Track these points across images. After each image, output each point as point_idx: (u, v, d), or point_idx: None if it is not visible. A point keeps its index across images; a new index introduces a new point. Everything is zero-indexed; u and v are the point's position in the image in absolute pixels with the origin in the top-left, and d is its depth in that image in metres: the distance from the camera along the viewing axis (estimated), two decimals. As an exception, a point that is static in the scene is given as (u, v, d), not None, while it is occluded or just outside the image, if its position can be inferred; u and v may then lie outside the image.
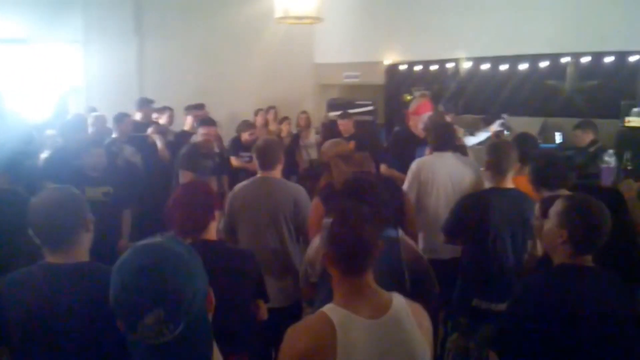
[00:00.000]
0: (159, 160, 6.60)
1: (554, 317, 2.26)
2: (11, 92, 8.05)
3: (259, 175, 4.11)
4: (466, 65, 9.36)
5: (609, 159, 5.27)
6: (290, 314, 4.01)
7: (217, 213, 2.92)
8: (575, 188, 4.04)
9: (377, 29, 9.87)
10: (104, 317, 1.44)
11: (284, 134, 8.74)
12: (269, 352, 3.79)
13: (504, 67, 8.93)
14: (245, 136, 7.26)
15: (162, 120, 7.69)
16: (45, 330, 2.11)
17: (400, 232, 3.13)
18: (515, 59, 8.70)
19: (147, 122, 7.25)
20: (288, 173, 5.88)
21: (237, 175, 6.56)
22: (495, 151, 3.88)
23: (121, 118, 6.57)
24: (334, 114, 9.14)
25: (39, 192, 2.32)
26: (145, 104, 7.55)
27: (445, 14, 9.00)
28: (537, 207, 2.97)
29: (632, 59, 7.74)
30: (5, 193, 3.68)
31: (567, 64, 8.36)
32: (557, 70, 8.45)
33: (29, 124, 5.82)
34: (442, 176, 4.49)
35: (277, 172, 4.11)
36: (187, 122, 7.38)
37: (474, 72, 9.28)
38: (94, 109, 7.43)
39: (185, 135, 7.03)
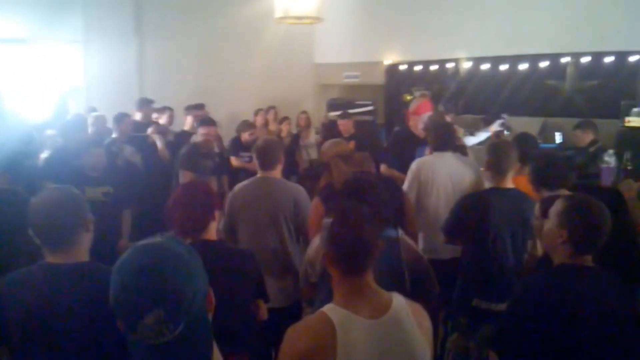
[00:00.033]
0: (159, 160, 6.60)
1: (554, 317, 2.26)
2: (11, 92, 8.06)
3: (259, 175, 4.11)
4: (466, 65, 9.37)
5: (609, 159, 5.27)
6: (290, 314, 4.01)
7: (217, 213, 2.92)
8: (576, 188, 4.04)
9: (377, 29, 9.87)
10: (104, 317, 1.44)
11: (284, 134, 8.73)
12: (269, 352, 3.79)
13: (504, 67, 8.93)
14: (245, 136, 7.26)
15: (162, 120, 7.69)
16: (45, 330, 2.11)
17: (401, 232, 3.13)
18: (515, 59, 8.70)
19: (147, 122, 7.25)
20: (288, 173, 5.88)
21: (237, 175, 6.56)
22: (495, 151, 3.88)
23: (121, 118, 6.57)
24: (334, 114, 9.13)
25: (39, 192, 2.31)
26: (145, 104, 7.55)
27: (445, 14, 9.00)
28: (537, 207, 2.97)
29: (632, 59, 7.74)
30: (5, 193, 3.68)
31: (567, 64, 8.36)
32: (557, 70, 8.45)
33: (29, 124, 5.83)
34: (442, 176, 4.49)
35: (277, 172, 4.11)
36: (187, 122, 7.39)
37: (474, 72, 9.28)
38: (94, 109, 7.43)
39: (185, 135, 7.03)
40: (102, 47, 9.07)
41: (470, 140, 6.55)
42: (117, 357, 1.46)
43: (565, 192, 3.42)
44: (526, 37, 8.16)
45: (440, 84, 9.66)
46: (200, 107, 7.95)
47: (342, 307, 1.96)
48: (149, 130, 6.90)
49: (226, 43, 9.93)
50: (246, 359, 2.88)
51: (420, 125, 5.74)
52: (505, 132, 6.96)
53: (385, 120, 10.25)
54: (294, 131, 8.99)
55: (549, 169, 3.77)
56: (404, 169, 4.76)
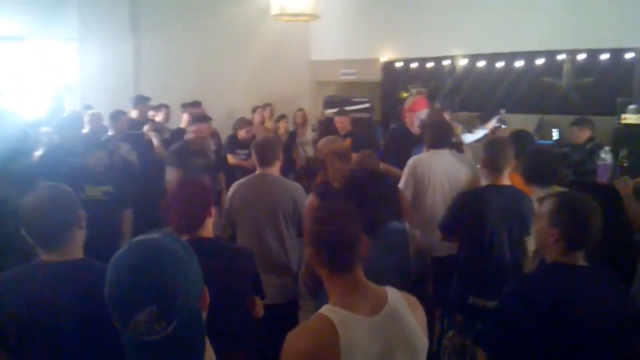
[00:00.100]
0: (155, 158, 6.58)
1: (545, 315, 2.25)
2: (7, 90, 8.05)
3: (257, 172, 4.12)
4: (462, 62, 9.37)
5: (605, 156, 5.27)
6: (288, 310, 4.03)
7: (213, 210, 2.91)
8: (572, 185, 4.05)
9: (373, 26, 9.87)
10: (101, 314, 1.43)
11: (281, 131, 8.73)
12: (265, 349, 3.79)
13: (500, 65, 8.93)
14: (241, 134, 7.26)
15: (159, 117, 7.68)
16: (43, 328, 2.10)
17: (407, 225, 3.13)
18: (511, 56, 8.72)
19: (143, 120, 7.24)
20: (285, 171, 5.89)
21: (233, 172, 6.56)
22: (491, 148, 3.87)
23: (117, 116, 6.54)
24: (330, 111, 9.13)
25: (32, 191, 2.30)
26: (141, 101, 7.53)
27: (441, 12, 9.02)
28: (537, 206, 2.96)
29: (628, 56, 7.75)
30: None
31: (563, 61, 8.37)
32: (553, 68, 8.46)
33: (24, 121, 5.80)
34: (439, 173, 4.49)
35: (275, 169, 4.12)
36: (184, 120, 7.36)
37: (470, 69, 9.29)
38: (89, 107, 7.41)
39: (181, 133, 6.99)
40: (97, 45, 9.04)
41: (468, 138, 6.55)
42: (114, 354, 1.45)
43: (557, 188, 3.43)
44: (522, 35, 8.18)
45: (436, 81, 9.66)
46: (196, 104, 7.95)
47: (340, 307, 1.94)
48: (145, 127, 6.89)
49: (222, 40, 9.91)
50: (242, 356, 2.87)
51: (417, 123, 5.75)
52: (503, 126, 6.98)
53: (382, 118, 10.26)
54: (291, 129, 8.99)
55: (540, 165, 3.79)
56: (400, 166, 4.76)
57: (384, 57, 10.14)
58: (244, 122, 7.46)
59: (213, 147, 6.99)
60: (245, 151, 7.08)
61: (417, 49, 9.59)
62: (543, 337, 2.25)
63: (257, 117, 8.81)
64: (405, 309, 2.01)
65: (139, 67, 9.56)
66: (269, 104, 9.29)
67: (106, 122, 6.64)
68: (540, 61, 8.53)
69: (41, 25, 8.48)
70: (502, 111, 7.80)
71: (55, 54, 9.04)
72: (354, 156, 4.25)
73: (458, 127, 6.37)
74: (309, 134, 8.88)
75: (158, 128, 7.07)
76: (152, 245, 1.34)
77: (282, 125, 8.86)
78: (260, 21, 9.34)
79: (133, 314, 1.25)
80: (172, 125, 7.69)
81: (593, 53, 7.99)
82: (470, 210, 3.75)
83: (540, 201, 2.75)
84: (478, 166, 4.38)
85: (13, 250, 2.99)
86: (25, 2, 8.28)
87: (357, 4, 10.09)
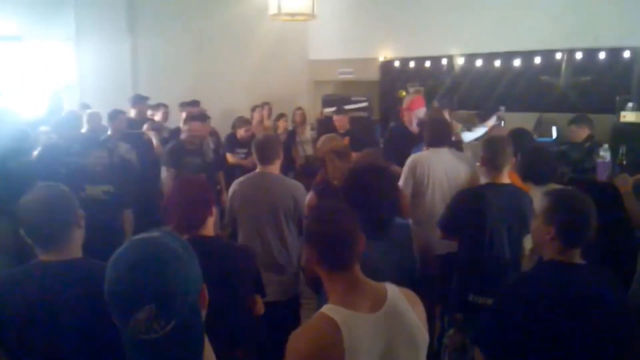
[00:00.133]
0: (154, 157, 6.58)
1: (542, 313, 2.25)
2: (5, 90, 8.03)
3: (257, 170, 4.12)
4: (460, 61, 9.37)
5: (604, 154, 5.28)
6: (289, 308, 4.04)
7: (214, 209, 2.91)
8: (572, 183, 4.06)
9: (371, 26, 9.87)
10: (101, 313, 1.43)
11: (280, 130, 8.74)
12: (267, 346, 3.78)
13: (498, 64, 8.93)
14: (240, 132, 7.26)
15: (157, 117, 7.68)
16: (42, 328, 2.10)
17: (410, 221, 3.13)
18: (509, 55, 8.72)
19: (142, 119, 7.23)
20: (285, 169, 5.90)
21: (233, 171, 6.56)
22: (490, 147, 3.88)
23: (115, 115, 6.53)
24: (329, 110, 9.14)
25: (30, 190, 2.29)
26: (139, 100, 7.53)
27: (439, 11, 9.03)
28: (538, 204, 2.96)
29: (626, 55, 7.76)
30: None
31: (561, 60, 8.38)
32: (551, 66, 8.46)
33: (23, 121, 5.80)
34: (438, 172, 4.48)
35: (275, 168, 4.12)
36: (182, 119, 7.36)
37: (468, 68, 9.28)
38: (87, 106, 7.39)
39: (180, 132, 7.01)
40: (95, 45, 9.02)
41: (467, 136, 6.56)
42: (114, 354, 1.45)
43: (554, 186, 3.43)
44: (520, 34, 8.20)
45: (434, 80, 9.66)
46: (194, 103, 7.95)
47: (340, 305, 1.94)
48: (144, 127, 6.89)
49: (220, 40, 9.90)
50: (243, 355, 2.87)
51: (414, 121, 5.75)
52: (502, 124, 7.00)
53: (380, 117, 10.26)
54: (290, 128, 8.99)
55: (536, 163, 3.80)
56: (400, 164, 4.75)
57: (382, 56, 10.14)
58: (243, 121, 7.46)
59: (212, 145, 6.99)
60: (244, 150, 7.08)
61: (415, 48, 9.58)
62: (540, 336, 2.24)
63: (256, 116, 8.80)
64: (405, 304, 2.01)
65: (137, 66, 9.54)
66: (267, 103, 9.30)
67: (105, 121, 6.63)
68: (538, 60, 8.53)
69: (39, 25, 8.46)
70: (502, 108, 7.82)
71: (53, 54, 9.01)
72: (354, 155, 4.26)
73: (457, 126, 6.38)
74: (308, 133, 8.88)
75: (157, 127, 7.06)
76: (152, 244, 1.34)
77: (281, 124, 8.87)
78: (258, 21, 9.33)
79: (132, 313, 1.25)
80: (170, 125, 7.69)
81: (591, 52, 8.00)
82: (470, 209, 3.75)
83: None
84: (477, 164, 4.38)
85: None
86: (24, 2, 8.25)
87: (354, 4, 10.08)
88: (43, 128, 6.11)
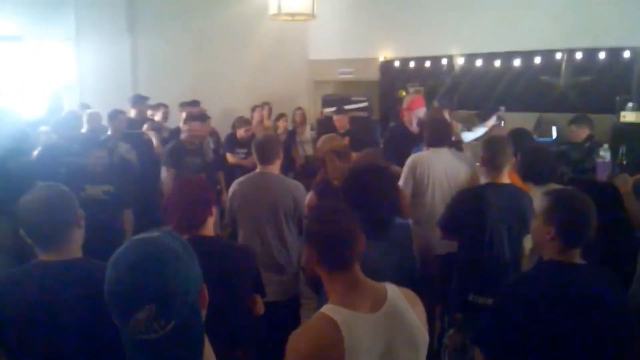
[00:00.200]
0: (154, 157, 6.58)
1: (542, 313, 2.25)
2: (5, 90, 8.03)
3: (257, 170, 4.12)
4: (460, 61, 9.37)
5: (604, 153, 5.28)
6: (289, 308, 4.04)
7: (214, 209, 2.91)
8: (572, 183, 4.06)
9: (371, 26, 9.87)
10: (101, 313, 1.43)
11: (280, 130, 8.73)
12: (267, 346, 3.79)
13: (498, 64, 8.93)
14: (240, 132, 7.26)
15: (157, 117, 7.68)
16: (43, 328, 2.10)
17: (410, 221, 3.13)
18: (509, 55, 8.72)
19: (142, 119, 7.23)
20: (285, 169, 5.91)
21: (233, 171, 6.56)
22: (490, 147, 3.88)
23: (115, 115, 6.53)
24: (329, 110, 9.14)
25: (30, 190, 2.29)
26: (139, 100, 7.52)
27: (439, 11, 9.02)
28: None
29: (626, 55, 7.76)
30: None
31: (561, 60, 8.37)
32: (551, 66, 8.46)
33: (23, 121, 5.80)
34: (438, 172, 4.49)
35: (275, 168, 4.12)
36: (182, 119, 7.36)
37: (468, 68, 9.28)
38: (87, 106, 7.39)
39: (180, 132, 7.01)
40: (95, 45, 9.01)
41: (467, 136, 6.56)
42: (114, 354, 1.45)
43: (554, 186, 3.43)
44: (520, 34, 8.19)
45: (434, 80, 9.66)
46: (194, 103, 7.95)
47: (341, 305, 1.94)
48: (144, 127, 6.88)
49: (220, 40, 9.90)
50: (243, 355, 2.87)
51: (414, 121, 5.75)
52: (501, 124, 7.00)
53: (380, 117, 10.25)
54: (290, 128, 8.99)
55: (536, 163, 3.81)
56: (400, 164, 4.76)
57: (382, 56, 10.14)
58: (243, 121, 7.46)
59: (212, 145, 7.00)
60: (244, 150, 7.09)
61: (415, 48, 9.58)
62: (540, 336, 2.24)
63: (256, 116, 8.80)
64: (405, 304, 2.01)
65: (137, 66, 9.53)
66: (267, 103, 9.30)
67: (105, 121, 6.63)
68: (538, 60, 8.53)
69: (39, 25, 8.46)
70: (502, 108, 7.82)
71: (53, 54, 9.01)
72: (354, 155, 4.26)
73: (457, 126, 6.38)
74: (307, 133, 8.89)
75: (157, 127, 7.06)
76: (152, 244, 1.34)
77: (281, 124, 8.87)
78: (258, 21, 9.33)
79: (132, 313, 1.25)
80: (170, 125, 7.69)
81: (591, 52, 8.00)
82: (470, 209, 3.75)
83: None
84: (477, 164, 4.38)
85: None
86: (24, 2, 8.25)
87: (354, 4, 10.08)
88: (43, 128, 6.11)
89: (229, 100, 9.44)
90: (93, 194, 4.81)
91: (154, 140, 6.68)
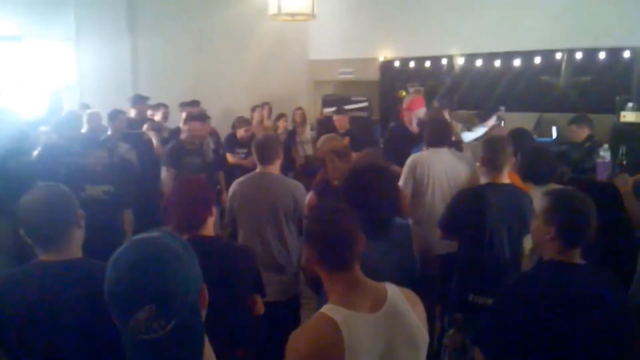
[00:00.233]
0: (154, 157, 6.58)
1: (542, 314, 2.25)
2: (6, 90, 8.04)
3: (257, 170, 4.13)
4: (460, 61, 9.37)
5: (604, 153, 5.28)
6: (289, 308, 4.04)
7: (214, 209, 2.91)
8: (572, 183, 4.06)
9: (371, 26, 9.87)
10: (101, 313, 1.43)
11: (280, 130, 8.73)
12: (267, 346, 3.79)
13: (498, 64, 8.93)
14: (240, 133, 7.26)
15: (157, 117, 7.68)
16: (43, 328, 2.10)
17: (410, 221, 3.13)
18: (509, 55, 8.72)
19: (142, 119, 7.23)
20: (285, 169, 5.91)
21: (233, 171, 6.56)
22: (490, 147, 3.88)
23: (115, 115, 6.53)
24: (329, 110, 9.14)
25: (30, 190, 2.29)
26: (139, 100, 7.52)
27: (439, 11, 9.02)
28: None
29: (626, 55, 7.76)
30: None
31: (561, 60, 8.37)
32: (551, 66, 8.46)
33: (23, 121, 5.80)
34: (438, 172, 4.49)
35: (275, 168, 4.13)
36: (182, 119, 7.36)
37: (468, 68, 9.28)
38: (87, 106, 7.39)
39: (180, 132, 7.01)
40: (95, 45, 9.02)
41: (468, 136, 6.56)
42: (114, 354, 1.45)
43: (554, 186, 3.43)
44: (520, 34, 8.20)
45: (434, 80, 9.66)
46: (194, 103, 7.95)
47: (341, 305, 1.93)
48: (144, 127, 6.88)
49: (220, 40, 9.90)
50: (243, 355, 2.87)
51: (414, 121, 5.75)
52: (501, 124, 7.00)
53: (380, 117, 10.25)
54: (290, 128, 8.99)
55: (536, 163, 3.80)
56: (400, 164, 4.76)
57: (382, 56, 10.14)
58: (243, 121, 7.46)
59: (212, 145, 6.99)
60: (244, 150, 7.09)
61: (415, 48, 9.58)
62: (540, 336, 2.24)
63: (256, 116, 8.80)
64: (405, 304, 2.01)
65: (137, 66, 9.54)
66: (267, 103, 9.29)
67: (105, 121, 6.63)
68: (538, 60, 8.53)
69: (39, 25, 8.46)
70: (502, 108, 7.82)
71: (53, 54, 9.01)
72: (354, 155, 4.25)
73: (457, 126, 6.38)
74: (307, 133, 8.89)
75: (157, 127, 7.06)
76: (152, 244, 1.34)
77: (281, 124, 8.87)
78: (258, 21, 9.33)
79: (132, 313, 1.26)
80: (170, 125, 7.69)
81: (591, 52, 8.00)
82: (470, 209, 3.75)
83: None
84: (477, 164, 4.38)
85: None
86: (24, 2, 8.25)
87: (354, 4, 10.08)
88: (43, 128, 6.12)
89: (229, 100, 9.44)
90: (93, 194, 4.81)
91: (154, 140, 6.68)
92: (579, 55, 8.17)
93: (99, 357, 2.09)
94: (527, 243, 3.56)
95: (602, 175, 5.48)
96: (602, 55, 7.93)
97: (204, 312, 1.43)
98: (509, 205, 3.70)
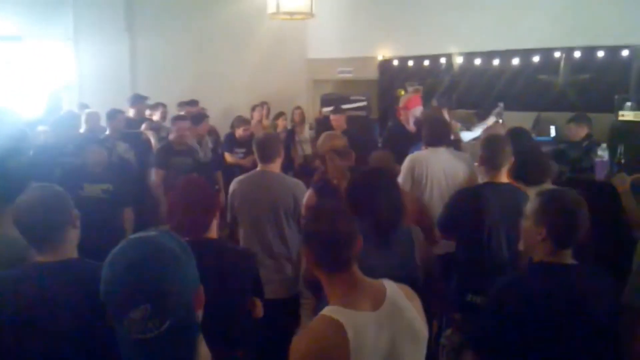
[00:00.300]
0: (152, 157, 6.57)
1: (534, 316, 2.25)
2: (5, 89, 8.03)
3: (258, 168, 4.13)
4: (459, 60, 9.38)
5: (602, 152, 5.29)
6: (289, 306, 4.05)
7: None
8: (569, 182, 4.05)
9: (370, 25, 9.87)
10: (96, 313, 1.43)
11: (279, 129, 8.73)
12: (266, 346, 3.79)
13: (496, 62, 8.94)
14: (239, 132, 7.25)
15: (156, 116, 7.67)
16: (39, 329, 2.09)
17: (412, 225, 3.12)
18: (507, 54, 8.73)
19: (141, 119, 7.23)
20: (284, 169, 5.91)
21: (231, 171, 6.55)
22: (489, 146, 3.86)
23: (114, 115, 6.53)
24: (327, 109, 9.14)
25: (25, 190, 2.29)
26: (138, 100, 7.52)
27: (438, 10, 9.04)
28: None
29: (624, 53, 7.77)
30: None
31: (559, 58, 8.38)
32: (549, 65, 8.46)
33: (21, 120, 5.80)
34: (436, 171, 4.48)
35: (276, 166, 4.13)
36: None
37: (467, 67, 9.29)
38: (86, 106, 7.39)
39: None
40: (94, 44, 9.03)
41: (466, 136, 6.56)
42: (110, 353, 1.45)
43: (547, 186, 3.43)
44: (519, 33, 8.21)
45: (433, 79, 9.66)
46: (193, 103, 7.95)
47: (342, 306, 1.93)
48: (143, 126, 6.88)
49: (219, 39, 9.91)
50: (242, 356, 2.87)
51: (411, 120, 5.76)
52: (499, 121, 7.01)
53: (379, 116, 10.26)
54: (289, 127, 8.98)
55: (528, 164, 3.79)
56: (399, 163, 4.75)
57: (381, 55, 10.15)
58: (242, 121, 7.45)
59: (210, 145, 6.99)
60: (242, 149, 7.09)
61: (414, 46, 9.60)
62: (532, 337, 2.25)
63: (255, 116, 8.80)
64: (404, 299, 2.02)
65: (135, 66, 9.55)
66: (265, 102, 9.29)
67: (103, 121, 6.63)
68: (537, 59, 8.54)
69: (38, 25, 8.47)
70: (500, 104, 7.82)
71: (52, 54, 9.01)
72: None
73: (457, 125, 6.38)
74: (306, 132, 8.89)
75: (155, 127, 7.06)
76: (149, 243, 1.35)
77: (280, 123, 8.88)
78: (257, 20, 9.34)
79: (127, 312, 1.26)
80: (169, 124, 7.67)
81: (589, 50, 8.01)
82: (468, 208, 3.74)
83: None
84: (476, 164, 4.38)
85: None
86: (23, 2, 8.26)
87: (353, 2, 10.08)
88: (41, 128, 6.11)
89: (228, 100, 9.45)
90: (92, 193, 4.81)
91: (152, 140, 6.67)
92: (577, 54, 8.19)
93: (95, 357, 2.09)
94: (521, 244, 3.55)
95: (600, 174, 5.50)
96: (600, 53, 7.94)
97: (200, 313, 1.43)
98: (507, 204, 3.69)
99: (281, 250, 4.02)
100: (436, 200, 4.40)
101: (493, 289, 2.48)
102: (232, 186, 4.16)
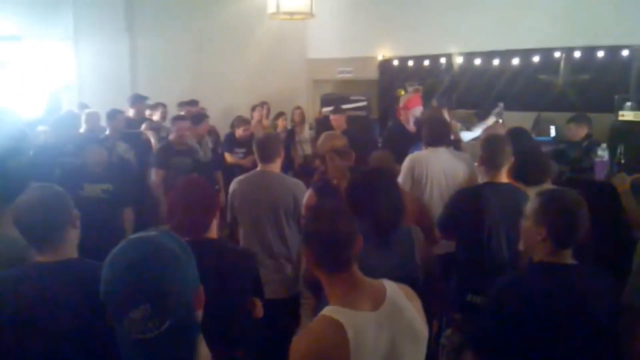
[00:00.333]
0: (152, 157, 6.57)
1: (534, 316, 2.25)
2: (5, 89, 8.03)
3: (258, 168, 4.13)
4: (459, 60, 9.38)
5: (602, 152, 5.29)
6: (289, 306, 4.05)
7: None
8: (569, 182, 4.05)
9: (370, 25, 9.88)
10: (96, 313, 1.43)
11: (279, 129, 8.73)
12: (266, 345, 3.79)
13: (496, 62, 8.94)
14: (239, 132, 7.25)
15: (155, 116, 7.67)
16: (40, 329, 2.09)
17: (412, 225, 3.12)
18: (507, 54, 8.73)
19: (140, 119, 7.23)
20: (284, 169, 5.91)
21: (231, 171, 6.55)
22: (489, 146, 3.86)
23: (114, 115, 6.53)
24: (327, 109, 9.15)
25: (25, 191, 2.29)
26: (138, 100, 7.52)
27: (438, 10, 9.04)
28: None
29: (624, 53, 7.77)
30: None
31: (559, 58, 8.38)
32: (549, 65, 8.46)
33: (21, 120, 5.79)
34: (436, 171, 4.48)
35: (276, 166, 4.13)
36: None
37: (467, 67, 9.29)
38: (85, 106, 7.39)
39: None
40: (93, 44, 9.03)
41: (466, 136, 6.56)
42: (110, 353, 1.45)
43: (547, 186, 3.43)
44: (519, 33, 8.21)
45: (433, 79, 9.67)
46: (193, 103, 7.95)
47: (342, 306, 1.93)
48: (143, 126, 6.88)
49: (219, 39, 9.91)
50: (242, 356, 2.87)
51: (411, 120, 5.76)
52: (499, 121, 7.01)
53: (379, 115, 10.26)
54: (289, 127, 8.98)
55: (527, 165, 3.79)
56: (398, 164, 4.75)
57: (381, 55, 10.15)
58: (242, 121, 7.45)
59: (210, 145, 6.99)
60: (242, 149, 7.09)
61: (414, 46, 9.60)
62: (531, 337, 2.25)
63: (255, 116, 8.80)
64: (404, 299, 2.02)
65: (135, 66, 9.54)
66: (265, 102, 9.29)
67: (103, 121, 6.63)
68: (537, 58, 8.54)
69: (38, 25, 8.46)
70: (500, 104, 7.82)
71: (52, 54, 9.01)
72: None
73: (457, 125, 6.38)
74: (306, 132, 8.89)
75: (155, 127, 7.06)
76: (149, 243, 1.35)
77: (280, 123, 8.88)
78: (257, 20, 9.34)
79: (127, 312, 1.26)
80: (169, 124, 7.67)
81: (589, 50, 8.01)
82: (468, 208, 3.74)
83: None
84: (476, 164, 4.37)
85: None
86: (23, 2, 8.25)
87: (353, 2, 10.09)
88: (41, 128, 6.11)
89: (228, 100, 9.45)
90: (92, 193, 4.81)
91: (152, 140, 6.67)
92: (577, 54, 8.19)
93: (95, 357, 2.09)
94: (521, 244, 3.55)
95: (600, 174, 5.49)
96: (600, 53, 7.94)
97: (200, 313, 1.43)
98: (507, 204, 3.69)
99: (281, 250, 4.02)
100: (436, 200, 4.40)
101: (493, 289, 2.48)
102: (232, 186, 4.16)
